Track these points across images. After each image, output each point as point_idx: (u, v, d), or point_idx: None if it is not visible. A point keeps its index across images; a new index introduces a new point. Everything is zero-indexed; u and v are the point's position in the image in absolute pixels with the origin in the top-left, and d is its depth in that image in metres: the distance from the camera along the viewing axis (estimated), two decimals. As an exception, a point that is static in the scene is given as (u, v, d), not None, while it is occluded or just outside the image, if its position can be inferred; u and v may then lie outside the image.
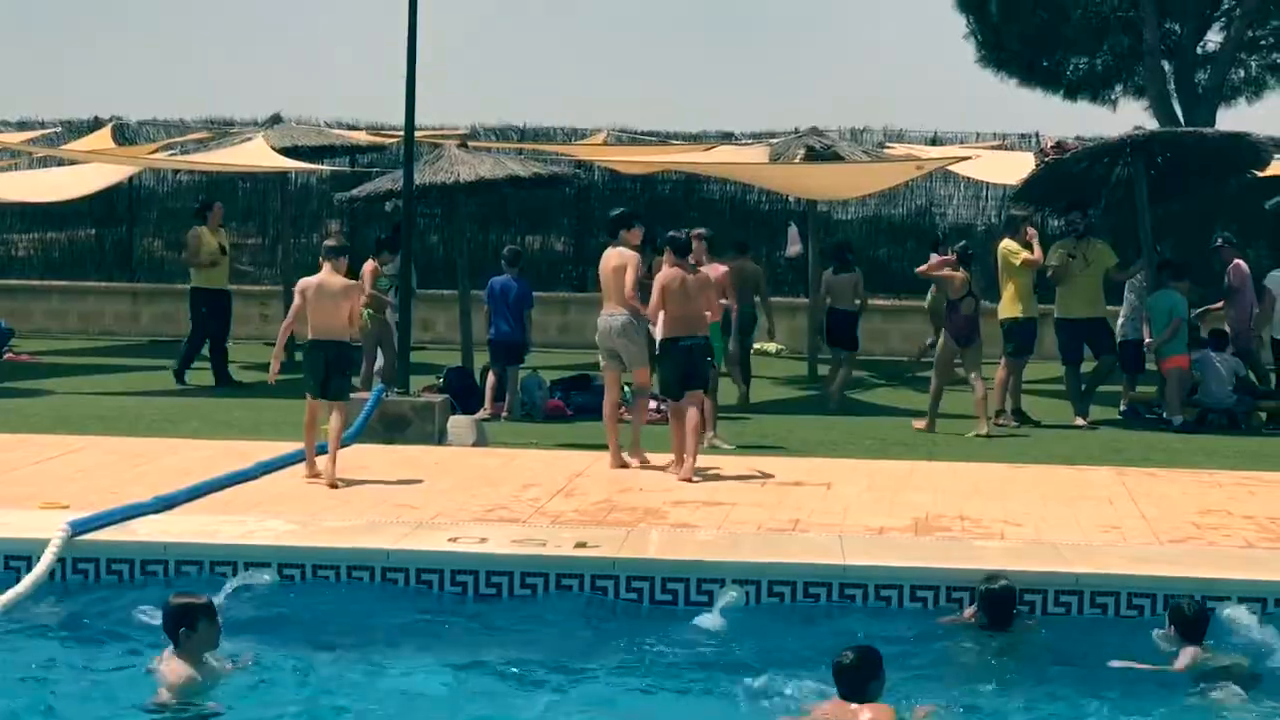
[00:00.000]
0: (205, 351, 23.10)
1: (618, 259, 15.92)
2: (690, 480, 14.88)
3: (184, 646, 9.15)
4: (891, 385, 21.88)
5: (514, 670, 9.91)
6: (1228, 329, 21.31)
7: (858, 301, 21.65)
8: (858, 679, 8.71)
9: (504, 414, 19.56)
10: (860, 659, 8.74)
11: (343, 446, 15.14)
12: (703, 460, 15.60)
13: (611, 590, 11.20)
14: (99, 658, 9.88)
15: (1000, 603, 10.42)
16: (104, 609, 10.84)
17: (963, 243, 20.98)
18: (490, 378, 20.02)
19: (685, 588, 11.14)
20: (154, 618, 10.10)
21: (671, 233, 16.09)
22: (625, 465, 15.70)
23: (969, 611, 10.70)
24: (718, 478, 15.11)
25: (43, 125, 32.52)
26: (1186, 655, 10.00)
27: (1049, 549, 11.78)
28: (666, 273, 15.38)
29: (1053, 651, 10.31)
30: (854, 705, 8.68)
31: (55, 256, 32.63)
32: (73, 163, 28.03)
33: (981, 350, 19.55)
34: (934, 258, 23.20)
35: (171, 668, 9.08)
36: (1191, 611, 10.24)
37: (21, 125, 32.58)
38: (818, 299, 23.55)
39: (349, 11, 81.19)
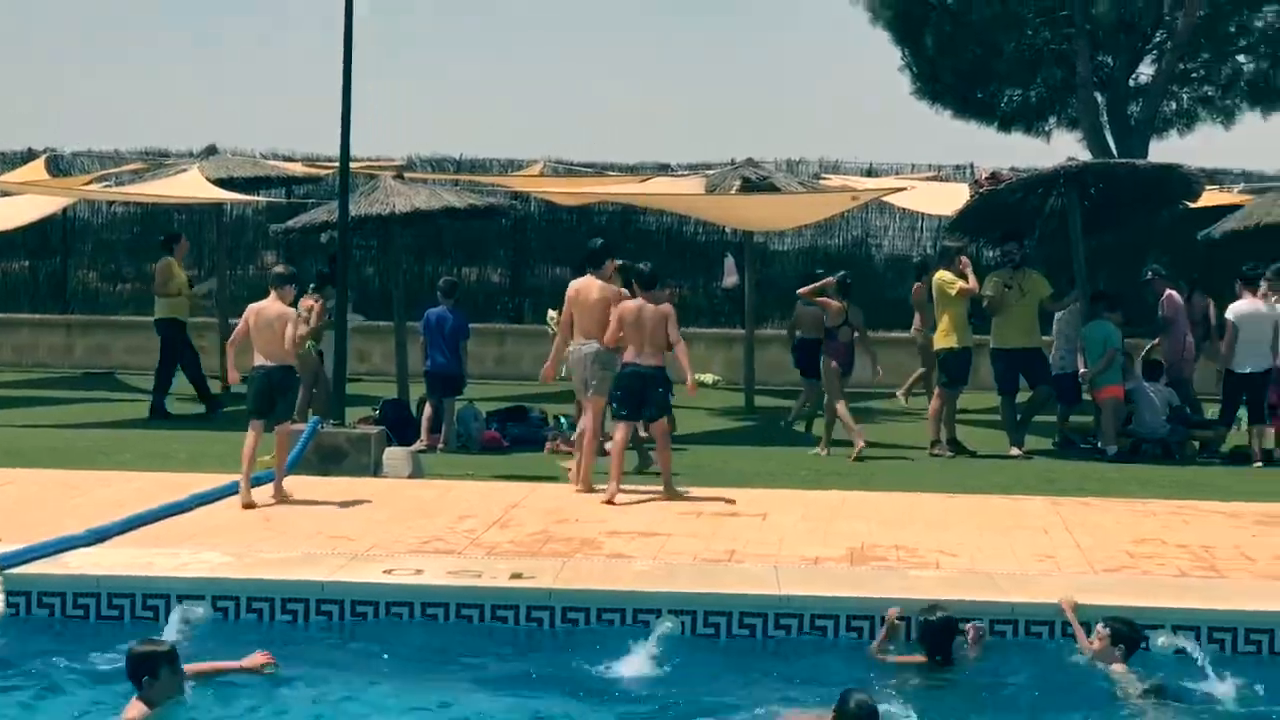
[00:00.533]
0: (143, 385, 23.00)
1: (599, 291, 16.47)
2: (613, 502, 15.36)
3: (146, 693, 9.15)
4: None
5: (451, 697, 9.97)
6: (1161, 360, 21.46)
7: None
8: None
9: (440, 445, 19.50)
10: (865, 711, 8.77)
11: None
12: (640, 488, 15.77)
13: (547, 620, 11.20)
14: (30, 693, 9.78)
15: (939, 633, 10.46)
16: (33, 644, 10.75)
17: (843, 272, 21.11)
18: (426, 409, 19.98)
19: (621, 618, 11.14)
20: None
21: (639, 265, 16.58)
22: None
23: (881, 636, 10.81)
24: (654, 507, 15.15)
25: (-26, 157, 32.29)
26: (1132, 678, 10.16)
27: (984, 578, 11.81)
28: (626, 304, 15.88)
29: (990, 680, 10.38)
30: None
31: (-12, 288, 32.39)
32: (5, 194, 27.82)
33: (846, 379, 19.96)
34: (918, 286, 23.29)
35: (129, 713, 9.06)
36: (1137, 633, 10.48)
37: (-46, 157, 32.32)
38: (751, 328, 23.65)
39: (284, 42, 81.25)
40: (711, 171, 26.34)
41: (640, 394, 15.93)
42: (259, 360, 15.27)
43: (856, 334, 20.16)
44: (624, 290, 16.73)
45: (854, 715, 8.76)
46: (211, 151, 28.00)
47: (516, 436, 20.17)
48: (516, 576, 11.71)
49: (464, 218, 23.31)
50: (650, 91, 76.91)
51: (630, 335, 15.88)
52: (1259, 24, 34.92)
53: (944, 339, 20.28)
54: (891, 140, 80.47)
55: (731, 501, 15.63)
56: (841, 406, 19.67)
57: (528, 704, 9.91)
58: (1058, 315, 20.92)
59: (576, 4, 78.94)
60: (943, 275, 20.61)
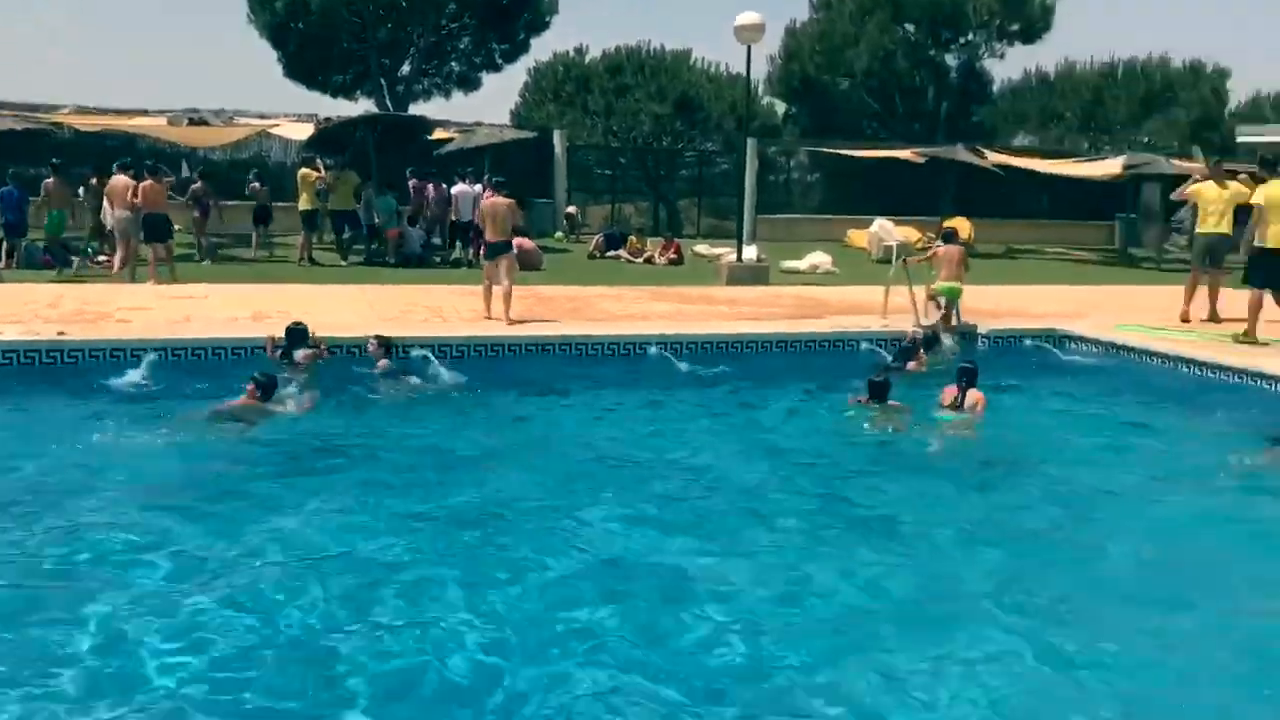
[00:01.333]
0: None
1: (124, 182, 15.87)
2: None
3: None
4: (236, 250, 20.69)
5: (28, 403, 9.02)
6: (426, 216, 21.40)
7: (317, 204, 19.87)
8: (269, 387, 8.77)
9: (15, 266, 17.21)
10: (269, 379, 8.84)
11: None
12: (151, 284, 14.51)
13: (81, 359, 10.19)
14: None
15: (294, 336, 10.32)
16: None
17: (257, 177, 20.70)
18: (4, 245, 17.56)
19: (125, 354, 10.29)
20: None
21: (159, 166, 16.45)
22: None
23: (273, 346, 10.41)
24: (150, 294, 13.95)
25: None
26: (389, 364, 10.20)
27: (329, 325, 11.51)
28: (144, 184, 15.63)
29: (361, 372, 10.15)
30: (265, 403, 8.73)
31: None
32: None
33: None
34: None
35: None
36: (395, 344, 10.48)
37: None
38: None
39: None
40: (172, 113, 24.29)
41: (159, 228, 15.49)
42: None
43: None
44: (133, 180, 15.64)
45: (267, 382, 8.82)
46: None
47: (60, 260, 18.05)
48: (61, 333, 10.62)
49: (21, 136, 20.44)
50: (145, 59, 68.96)
51: (146, 199, 15.47)
52: (461, 46, 34.96)
53: (304, 205, 19.54)
54: (273, 97, 77.06)
55: (201, 288, 14.60)
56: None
57: (80, 398, 9.12)
58: (364, 194, 20.47)
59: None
60: (305, 171, 19.88)
